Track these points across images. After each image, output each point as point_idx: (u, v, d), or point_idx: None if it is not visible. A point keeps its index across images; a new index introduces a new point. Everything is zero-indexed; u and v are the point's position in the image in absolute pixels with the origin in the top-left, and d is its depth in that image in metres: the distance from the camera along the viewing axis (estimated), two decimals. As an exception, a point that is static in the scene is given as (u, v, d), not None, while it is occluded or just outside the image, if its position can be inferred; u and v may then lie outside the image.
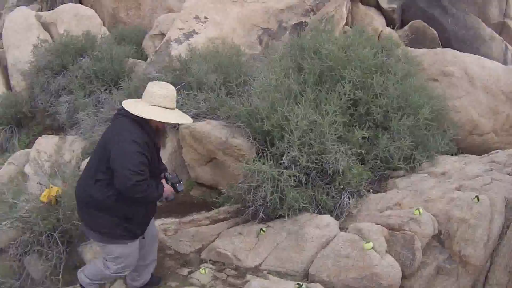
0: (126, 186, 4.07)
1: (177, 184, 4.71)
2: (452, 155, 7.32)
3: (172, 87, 4.52)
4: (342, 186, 5.99)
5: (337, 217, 5.89)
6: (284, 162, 5.83)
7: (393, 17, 11.91)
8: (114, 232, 4.41)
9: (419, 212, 5.33)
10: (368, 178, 6.30)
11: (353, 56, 6.95)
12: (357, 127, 6.39)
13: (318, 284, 4.97)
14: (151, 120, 4.34)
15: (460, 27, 11.97)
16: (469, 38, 11.95)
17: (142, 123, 4.31)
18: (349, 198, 6.03)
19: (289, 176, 5.63)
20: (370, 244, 5.04)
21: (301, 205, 5.68)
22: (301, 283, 4.82)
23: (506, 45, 12.45)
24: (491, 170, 6.43)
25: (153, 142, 4.42)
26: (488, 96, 8.08)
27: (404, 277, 5.07)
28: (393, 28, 10.77)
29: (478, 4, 12.54)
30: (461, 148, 7.79)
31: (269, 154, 5.96)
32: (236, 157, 6.50)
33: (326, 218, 5.68)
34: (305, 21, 10.04)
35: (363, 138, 6.40)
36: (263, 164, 5.64)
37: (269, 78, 6.77)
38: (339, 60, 6.88)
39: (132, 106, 4.36)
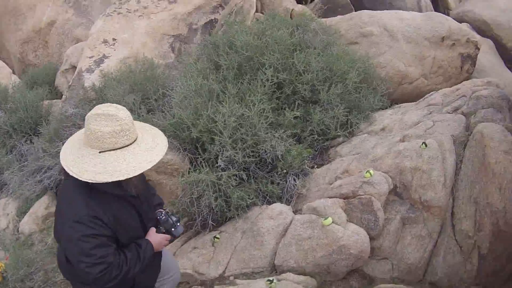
0: (89, 282, 3.12)
1: (173, 229, 3.58)
2: (386, 108, 7.36)
3: (121, 108, 3.09)
4: (285, 171, 5.88)
5: (287, 202, 5.79)
6: (220, 165, 5.65)
7: (303, -7, 11.88)
8: None
9: (370, 174, 5.30)
10: (309, 155, 6.22)
11: (269, 40, 6.84)
12: (287, 109, 6.30)
13: (289, 274, 4.93)
14: None
15: (370, -13, 12.03)
16: (381, -5, 12.04)
17: (89, 185, 3.05)
18: (294, 180, 5.90)
19: (229, 177, 5.48)
20: (329, 219, 4.99)
21: (248, 202, 5.52)
22: (271, 278, 4.73)
23: (418, -6, 12.59)
24: (430, 113, 6.50)
25: (123, 203, 3.24)
26: (411, 45, 8.18)
27: (372, 238, 5.08)
28: (304, 4, 10.73)
29: (385, -38, 12.62)
30: (395, 100, 7.86)
31: (203, 161, 5.80)
32: (170, 173, 6.27)
33: (277, 207, 5.55)
34: (215, 18, 9.94)
35: (296, 117, 6.30)
36: (199, 173, 5.47)
37: (187, 84, 6.58)
38: (255, 48, 6.77)
39: (77, 164, 3.03)
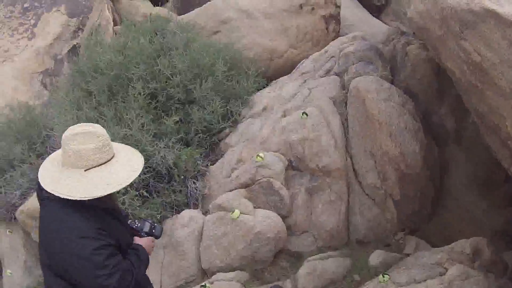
0: None
1: (153, 230, 3.55)
2: (264, 88, 7.39)
3: (96, 125, 3.09)
4: (182, 177, 5.88)
5: (195, 206, 5.83)
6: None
7: (157, -5, 11.78)
8: None
9: (261, 157, 5.37)
10: (201, 154, 6.25)
11: (131, 54, 6.79)
12: (165, 116, 6.28)
13: (219, 274, 5.02)
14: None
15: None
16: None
17: (79, 203, 2.96)
18: (194, 183, 5.93)
19: (131, 198, 5.43)
20: (237, 212, 5.08)
21: (158, 217, 5.53)
22: (203, 283, 4.80)
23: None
24: (305, 81, 6.61)
25: (109, 216, 3.18)
26: (271, 20, 8.18)
27: (284, 217, 5.22)
28: (160, 5, 10.66)
29: None
30: (271, 77, 7.84)
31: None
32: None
33: (187, 213, 5.60)
34: (77, 43, 9.73)
35: (177, 122, 6.30)
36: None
37: (64, 120, 6.45)
38: (120, 65, 6.70)
39: (63, 185, 2.96)
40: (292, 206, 5.28)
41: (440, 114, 5.77)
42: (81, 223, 2.91)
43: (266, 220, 5.04)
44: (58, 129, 6.49)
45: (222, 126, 6.54)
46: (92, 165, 2.98)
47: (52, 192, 2.92)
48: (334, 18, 8.73)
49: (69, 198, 2.89)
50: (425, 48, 5.64)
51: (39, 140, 7.05)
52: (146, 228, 3.51)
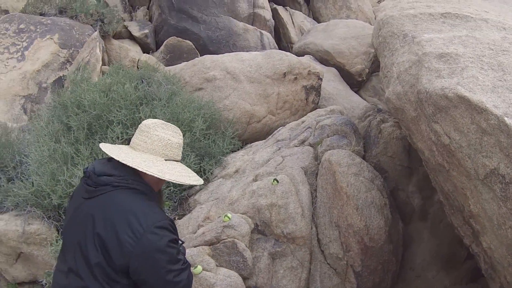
0: None
1: None
2: (238, 150, 7.48)
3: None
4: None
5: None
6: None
7: (148, 42, 12.06)
8: None
9: (228, 217, 5.38)
10: (169, 207, 6.25)
11: (115, 97, 6.86)
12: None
13: None
14: (162, 181, 3.03)
15: (213, 31, 12.38)
16: (224, 37, 12.41)
17: (148, 192, 2.93)
18: (160, 235, 5.88)
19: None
20: (199, 268, 4.99)
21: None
22: None
23: (260, 32, 13.05)
24: (279, 149, 6.69)
25: None
26: (255, 84, 8.34)
27: (245, 278, 5.14)
28: (150, 53, 10.85)
29: (227, 4, 12.99)
30: (246, 140, 7.99)
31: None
32: (39, 244, 6.10)
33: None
34: (63, 75, 9.78)
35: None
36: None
37: (40, 150, 6.45)
38: (103, 106, 6.76)
39: (153, 165, 2.90)
40: (254, 268, 5.25)
41: (408, 191, 5.97)
42: (158, 213, 2.81)
43: (227, 279, 4.96)
44: (33, 157, 6.47)
45: (193, 183, 6.53)
46: (172, 158, 3.05)
47: (139, 168, 2.83)
48: (315, 90, 8.92)
49: (159, 177, 2.86)
50: (399, 126, 5.85)
51: (11, 164, 6.97)
52: None
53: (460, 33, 4.41)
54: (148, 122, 3.06)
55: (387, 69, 5.01)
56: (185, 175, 3.04)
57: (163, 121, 3.11)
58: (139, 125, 3.09)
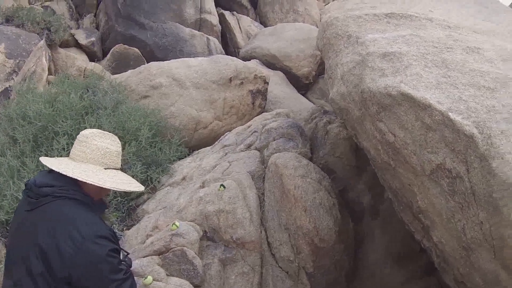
0: None
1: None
2: (185, 157, 7.45)
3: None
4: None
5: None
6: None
7: (94, 50, 11.97)
8: None
9: (176, 226, 5.34)
10: (118, 218, 6.18)
11: (60, 107, 6.75)
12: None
13: None
14: (104, 190, 2.99)
15: (160, 37, 12.38)
16: (171, 43, 12.43)
17: (89, 202, 2.89)
18: (109, 249, 5.81)
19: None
20: (149, 278, 4.92)
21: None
22: None
23: (207, 37, 13.08)
24: (226, 154, 6.71)
25: None
26: (200, 90, 8.35)
27: (196, 286, 5.08)
28: (97, 61, 10.73)
29: (174, 10, 12.97)
30: (193, 147, 7.96)
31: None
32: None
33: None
34: (9, 86, 9.43)
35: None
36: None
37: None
38: (48, 117, 6.65)
39: (92, 174, 2.89)
40: (205, 275, 5.19)
41: (357, 190, 6.03)
42: (99, 222, 2.81)
43: (178, 289, 4.99)
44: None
45: (141, 192, 6.42)
46: (112, 166, 3.04)
47: (79, 178, 2.81)
48: (261, 94, 8.97)
49: (99, 185, 2.84)
50: (345, 127, 5.90)
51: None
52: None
53: (404, 32, 4.48)
54: (85, 132, 3.05)
55: (331, 70, 5.06)
56: (126, 182, 3.05)
57: (100, 131, 3.11)
58: (77, 136, 3.07)
